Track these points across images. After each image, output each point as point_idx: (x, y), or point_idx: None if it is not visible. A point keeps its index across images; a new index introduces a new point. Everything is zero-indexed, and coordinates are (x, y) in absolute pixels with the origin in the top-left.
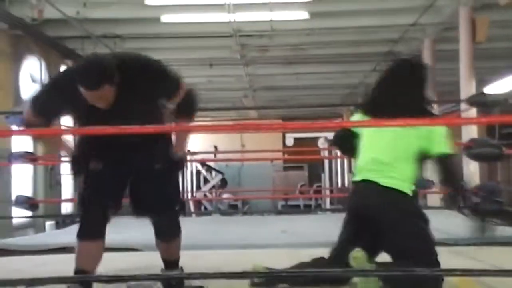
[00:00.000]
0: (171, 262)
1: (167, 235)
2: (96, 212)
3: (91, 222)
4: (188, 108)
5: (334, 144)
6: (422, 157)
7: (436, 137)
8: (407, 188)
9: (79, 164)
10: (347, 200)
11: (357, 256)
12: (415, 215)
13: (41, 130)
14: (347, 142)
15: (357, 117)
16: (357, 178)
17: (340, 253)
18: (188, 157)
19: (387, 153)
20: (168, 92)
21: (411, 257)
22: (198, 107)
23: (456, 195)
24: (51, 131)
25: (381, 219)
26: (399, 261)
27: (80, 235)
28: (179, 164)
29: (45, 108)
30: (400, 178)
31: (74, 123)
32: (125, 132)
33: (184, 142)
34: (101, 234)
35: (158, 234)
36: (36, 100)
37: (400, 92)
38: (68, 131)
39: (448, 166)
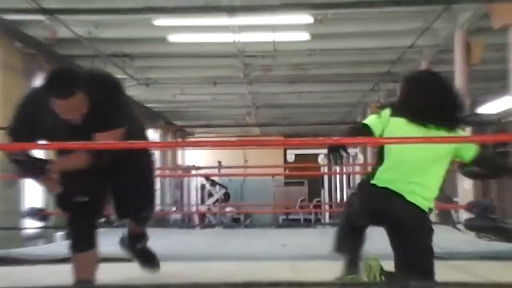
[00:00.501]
0: (138, 234)
1: (141, 223)
2: (85, 222)
3: (82, 235)
4: (100, 153)
5: (350, 133)
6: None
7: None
8: (427, 207)
9: (67, 203)
10: (362, 199)
11: (370, 264)
12: (429, 230)
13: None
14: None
15: (399, 121)
16: (380, 184)
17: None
18: (193, 172)
19: (419, 168)
20: (103, 126)
21: (415, 264)
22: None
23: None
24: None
25: (400, 222)
26: (402, 265)
27: (74, 248)
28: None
29: (24, 135)
30: (424, 197)
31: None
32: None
33: (69, 164)
34: (93, 244)
35: (134, 221)
36: (14, 130)
37: (449, 108)
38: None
39: (489, 157)
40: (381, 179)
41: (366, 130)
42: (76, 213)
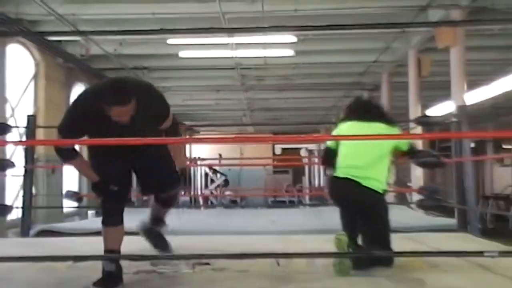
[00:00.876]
0: (159, 218)
1: (167, 205)
2: (115, 204)
3: (113, 212)
4: (175, 130)
5: (322, 158)
6: (392, 156)
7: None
8: (381, 188)
9: (101, 190)
10: (331, 191)
11: (339, 238)
12: (384, 209)
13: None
14: (330, 159)
15: (345, 124)
16: (340, 174)
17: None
18: (198, 163)
19: (366, 157)
20: (162, 118)
21: (375, 236)
22: (180, 130)
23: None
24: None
25: (360, 205)
26: (367, 239)
27: (105, 223)
28: (183, 173)
29: (74, 134)
30: (377, 179)
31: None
32: (135, 143)
33: (181, 155)
34: (120, 221)
35: (160, 202)
36: (66, 130)
37: (373, 108)
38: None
39: (413, 147)
40: (340, 170)
41: (329, 149)
42: (108, 196)
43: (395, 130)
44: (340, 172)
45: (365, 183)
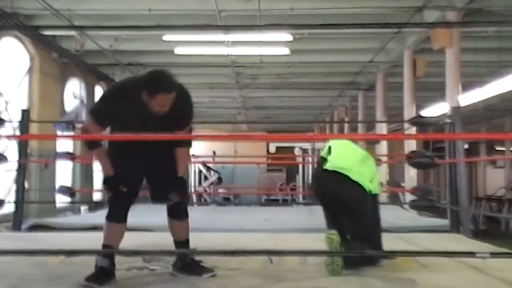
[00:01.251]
0: (182, 242)
1: (180, 215)
2: (122, 202)
3: (118, 210)
4: (188, 142)
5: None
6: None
7: (371, 174)
8: (367, 186)
9: (112, 186)
10: (316, 185)
11: (331, 238)
12: (369, 206)
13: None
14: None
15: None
16: (329, 167)
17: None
18: (192, 160)
19: (354, 157)
20: (186, 122)
21: (362, 234)
22: (191, 144)
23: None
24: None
25: (347, 202)
26: (353, 236)
27: (109, 219)
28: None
29: (106, 118)
30: (364, 176)
31: (113, 130)
32: (156, 138)
33: (185, 164)
34: (124, 219)
35: (172, 215)
36: (99, 112)
37: None
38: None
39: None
40: (329, 163)
41: (322, 157)
42: (117, 195)
43: (369, 157)
44: (329, 165)
45: (353, 176)
